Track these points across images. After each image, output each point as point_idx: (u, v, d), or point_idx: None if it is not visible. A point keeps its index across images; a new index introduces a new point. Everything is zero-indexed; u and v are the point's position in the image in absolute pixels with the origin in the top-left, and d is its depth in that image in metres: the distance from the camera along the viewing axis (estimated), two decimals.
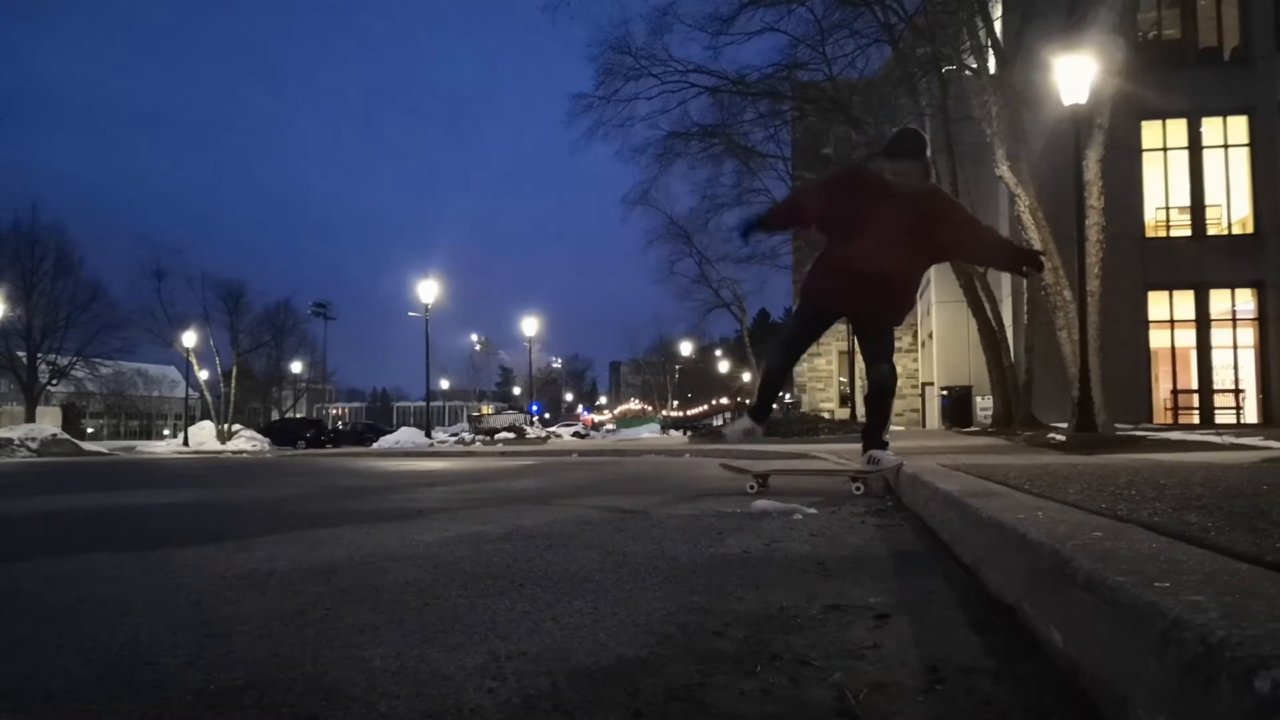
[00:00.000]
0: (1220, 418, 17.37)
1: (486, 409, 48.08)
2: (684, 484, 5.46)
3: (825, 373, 33.89)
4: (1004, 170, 11.94)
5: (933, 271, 24.56)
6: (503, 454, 14.31)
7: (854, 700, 1.17)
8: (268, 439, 34.57)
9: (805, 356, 36.05)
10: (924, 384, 28.34)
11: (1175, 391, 18.11)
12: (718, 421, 33.88)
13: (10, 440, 22.69)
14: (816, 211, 4.49)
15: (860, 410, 25.91)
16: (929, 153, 4.23)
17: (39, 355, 37.82)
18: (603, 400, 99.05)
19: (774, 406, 4.81)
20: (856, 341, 4.58)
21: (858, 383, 26.65)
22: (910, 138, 4.28)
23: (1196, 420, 17.56)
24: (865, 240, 4.19)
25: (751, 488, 4.45)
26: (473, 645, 1.47)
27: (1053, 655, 1.25)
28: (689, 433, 28.15)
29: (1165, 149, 18.40)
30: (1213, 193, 18.33)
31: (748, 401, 5.46)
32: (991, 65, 13.15)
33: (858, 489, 4.31)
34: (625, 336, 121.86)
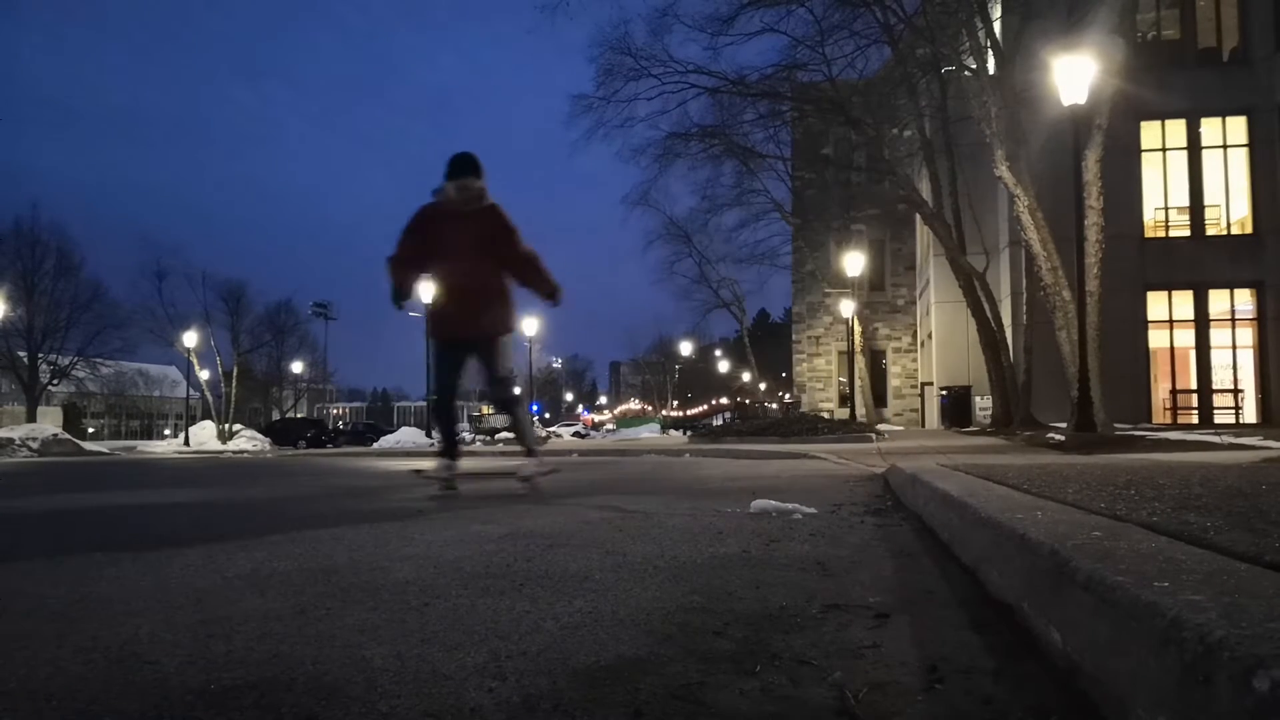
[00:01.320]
0: (1219, 418, 17.39)
1: (487, 409, 48.01)
2: (684, 484, 5.47)
3: (825, 373, 33.88)
4: (1003, 170, 11.95)
5: (932, 272, 24.58)
6: (503, 454, 14.31)
7: (853, 700, 1.17)
8: (268, 439, 34.56)
9: (805, 357, 36.02)
10: (923, 384, 28.35)
11: (1174, 391, 18.12)
12: (717, 421, 33.84)
13: (11, 440, 22.67)
14: (413, 253, 4.96)
15: (861, 410, 25.93)
16: (482, 173, 4.79)
17: (40, 355, 37.82)
18: (603, 400, 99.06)
19: (457, 441, 5.23)
20: (478, 364, 5.03)
21: (857, 383, 26.63)
22: (462, 156, 4.84)
23: (1195, 420, 17.57)
24: (446, 259, 4.81)
25: (520, 483, 4.85)
26: (473, 645, 1.47)
27: (1052, 655, 1.25)
28: (689, 433, 28.14)
29: (1164, 149, 18.42)
30: (1212, 193, 18.35)
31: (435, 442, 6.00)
32: (991, 66, 13.16)
33: (519, 483, 4.84)
34: (625, 336, 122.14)
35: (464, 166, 4.77)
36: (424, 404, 40.67)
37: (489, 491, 5.00)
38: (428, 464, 5.29)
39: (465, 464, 5.32)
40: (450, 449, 5.08)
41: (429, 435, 28.08)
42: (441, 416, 5.33)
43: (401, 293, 5.07)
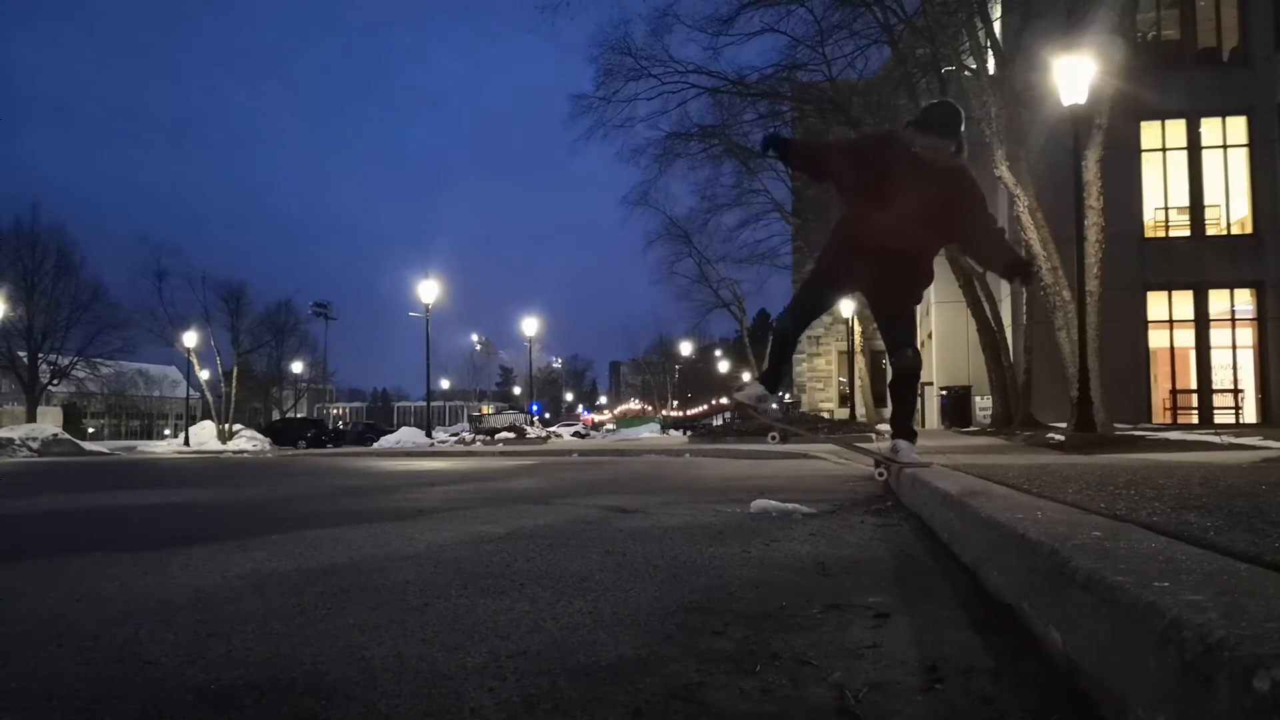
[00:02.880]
0: (1219, 418, 17.38)
1: (487, 409, 48.07)
2: (684, 484, 5.47)
3: (825, 373, 33.89)
4: (1003, 171, 11.94)
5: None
6: (503, 454, 14.31)
7: (853, 700, 1.17)
8: (268, 439, 34.57)
9: (805, 357, 35.95)
10: (923, 384, 28.32)
11: (1174, 391, 18.11)
12: (717, 421, 33.86)
13: (11, 440, 22.67)
14: (838, 169, 4.27)
15: (861, 410, 25.90)
16: (963, 129, 4.01)
17: (40, 355, 37.81)
18: (603, 400, 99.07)
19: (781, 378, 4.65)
20: (877, 328, 4.39)
21: (857, 383, 26.64)
22: (945, 110, 4.08)
23: (1195, 420, 17.57)
24: (887, 213, 3.97)
25: (880, 475, 4.38)
26: (473, 645, 1.48)
27: (1052, 655, 1.25)
28: (689, 432, 28.15)
29: (1164, 149, 18.41)
30: (1212, 193, 18.34)
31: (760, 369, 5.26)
32: (991, 66, 13.15)
33: (880, 474, 4.34)
34: (625, 336, 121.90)
35: (944, 124, 3.96)
36: (424, 404, 40.67)
37: (804, 485, 4.62)
38: (746, 391, 4.57)
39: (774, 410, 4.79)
40: (775, 381, 4.53)
41: (429, 435, 28.07)
42: (782, 348, 4.53)
43: (786, 153, 4.43)
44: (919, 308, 4.47)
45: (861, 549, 2.52)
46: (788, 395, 33.17)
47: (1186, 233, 18.34)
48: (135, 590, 2.04)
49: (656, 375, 71.95)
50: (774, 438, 4.61)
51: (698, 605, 1.76)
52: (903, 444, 4.17)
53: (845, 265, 4.23)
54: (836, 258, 4.26)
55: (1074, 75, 9.91)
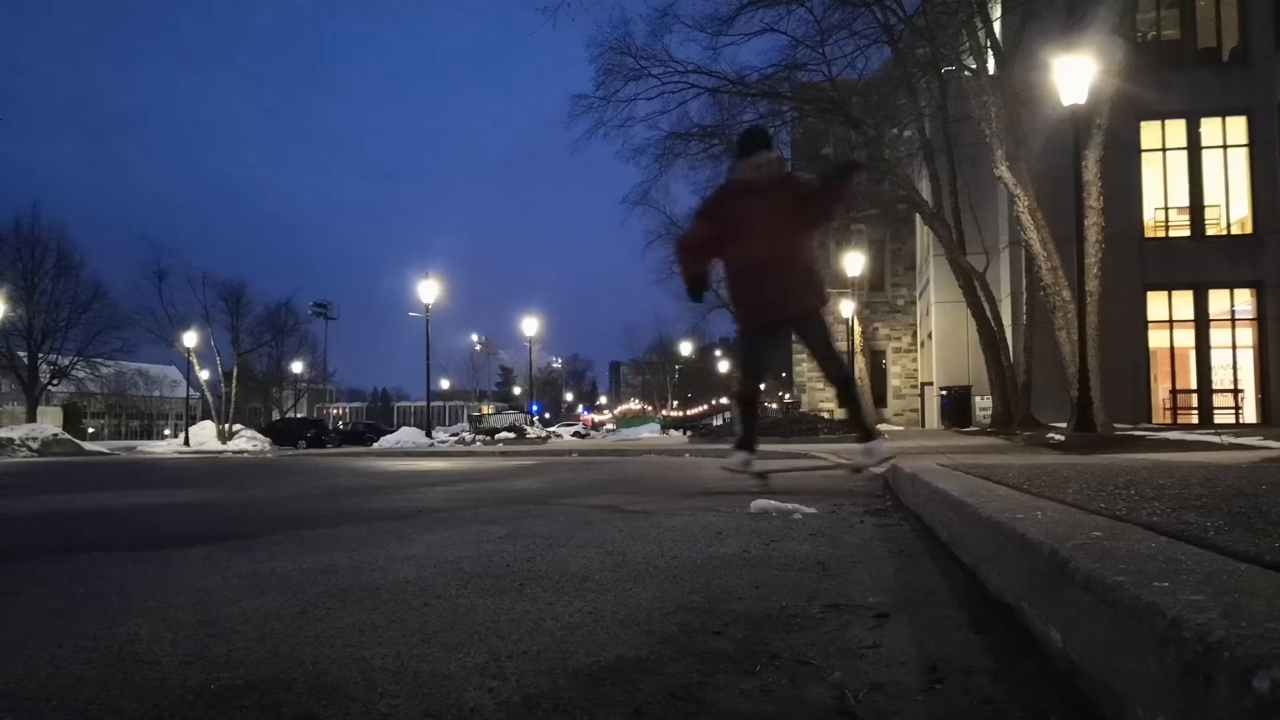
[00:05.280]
0: (1219, 418, 17.39)
1: (487, 409, 48.04)
2: (684, 484, 5.47)
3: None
4: (1003, 170, 11.95)
5: (932, 272, 24.59)
6: (503, 454, 14.31)
7: (853, 700, 1.17)
8: (268, 439, 34.57)
9: (806, 357, 36.13)
10: (923, 384, 28.34)
11: (1174, 391, 18.13)
12: (717, 421, 33.87)
13: (11, 440, 22.67)
14: (707, 236, 4.67)
15: None
16: (774, 142, 4.59)
17: (40, 355, 37.83)
18: (603, 400, 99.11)
19: (756, 432, 4.89)
20: (805, 346, 4.73)
21: (857, 383, 26.62)
22: (754, 132, 4.63)
23: (1195, 420, 17.58)
24: (751, 237, 4.42)
25: (857, 479, 4.55)
26: (473, 645, 1.47)
27: (1052, 655, 1.25)
28: (689, 433, 28.15)
29: (1164, 149, 18.42)
30: (1212, 193, 18.36)
31: (734, 431, 5.51)
32: (991, 66, 13.16)
33: (858, 481, 4.49)
34: (625, 336, 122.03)
35: (755, 141, 4.47)
36: (424, 404, 40.66)
37: (804, 485, 4.58)
38: (729, 460, 4.88)
39: (757, 463, 4.89)
40: (750, 440, 4.72)
41: (429, 435, 28.07)
42: (747, 405, 4.86)
43: (699, 282, 4.79)
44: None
45: (861, 549, 2.52)
46: (788, 395, 33.14)
47: (1186, 233, 18.35)
48: (135, 590, 2.04)
49: (656, 375, 71.97)
50: (754, 483, 4.74)
51: (698, 605, 1.76)
52: (874, 444, 4.44)
53: (749, 302, 4.57)
54: (740, 299, 4.63)
55: (1074, 75, 9.92)
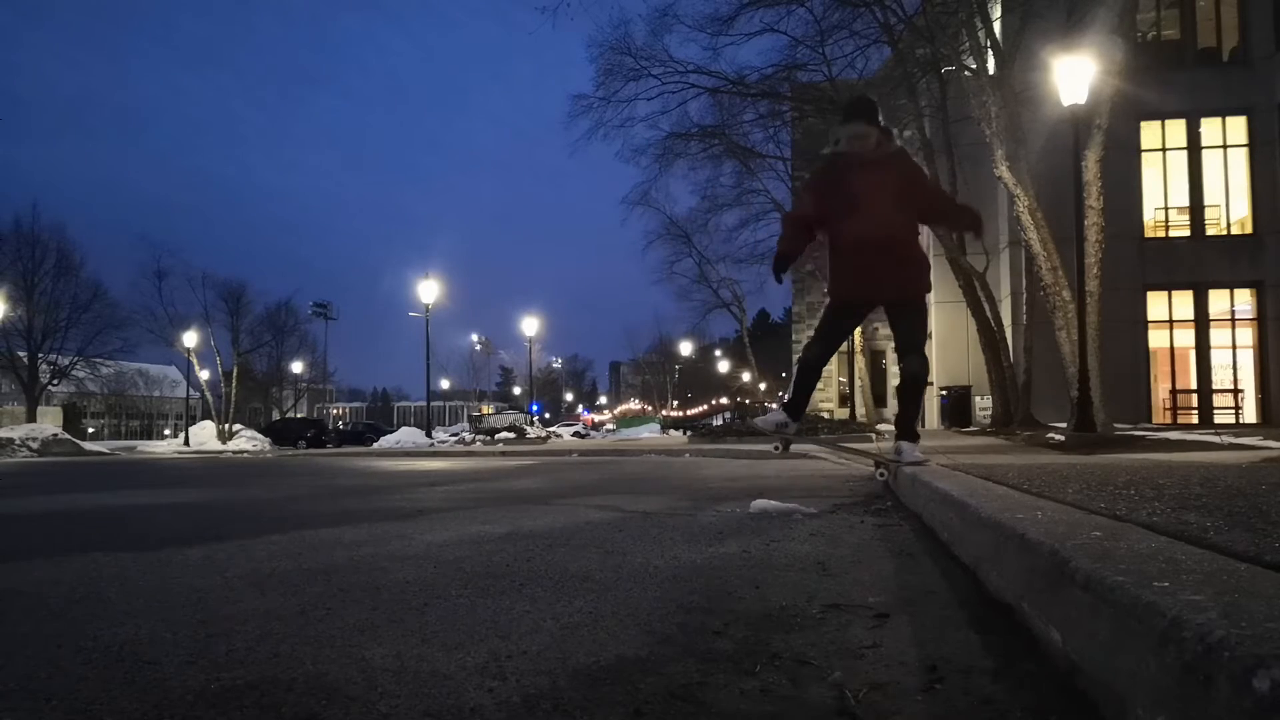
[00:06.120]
0: (1219, 418, 17.38)
1: (487, 409, 48.02)
2: (684, 484, 5.47)
3: (825, 373, 33.91)
4: (1003, 170, 11.94)
5: (932, 272, 24.54)
6: (503, 454, 14.31)
7: (853, 699, 1.17)
8: (268, 439, 34.58)
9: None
10: None
11: (1174, 391, 18.11)
12: (717, 421, 33.86)
13: (11, 440, 22.68)
14: (812, 211, 4.53)
15: (860, 410, 25.90)
16: (880, 115, 4.37)
17: (40, 355, 37.82)
18: (603, 400, 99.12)
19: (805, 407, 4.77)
20: (891, 331, 4.51)
21: (857, 383, 26.64)
22: (858, 102, 4.45)
23: (1195, 420, 17.57)
24: (860, 214, 4.26)
25: (881, 475, 4.49)
26: (473, 645, 1.47)
27: (1052, 655, 1.25)
28: (689, 433, 28.14)
29: (1164, 149, 18.41)
30: (1212, 193, 18.34)
31: (782, 396, 5.43)
32: (991, 66, 13.15)
33: (881, 475, 4.44)
34: (625, 336, 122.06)
35: (854, 111, 4.32)
36: (424, 404, 40.67)
37: (804, 485, 4.65)
38: (768, 417, 4.79)
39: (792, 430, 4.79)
40: (797, 407, 4.64)
41: (429, 435, 28.06)
42: (810, 374, 4.66)
43: (787, 258, 4.63)
44: (927, 302, 4.54)
45: (861, 549, 2.51)
46: (787, 396, 33.11)
47: (1186, 233, 18.33)
48: (135, 590, 2.04)
49: (656, 375, 71.93)
50: (776, 448, 4.74)
51: (698, 605, 1.76)
52: (906, 445, 4.25)
53: (848, 278, 4.39)
54: (838, 274, 4.44)
55: (1074, 75, 9.91)
